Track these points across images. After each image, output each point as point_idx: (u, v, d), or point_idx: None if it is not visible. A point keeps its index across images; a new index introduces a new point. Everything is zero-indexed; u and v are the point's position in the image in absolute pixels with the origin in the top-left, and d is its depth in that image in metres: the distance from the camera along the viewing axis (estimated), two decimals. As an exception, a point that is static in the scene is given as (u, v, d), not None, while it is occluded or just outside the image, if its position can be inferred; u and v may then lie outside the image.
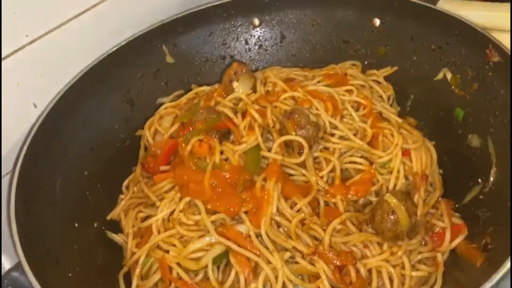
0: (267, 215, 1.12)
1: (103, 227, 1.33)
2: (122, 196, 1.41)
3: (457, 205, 1.26)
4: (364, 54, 1.58)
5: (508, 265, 0.86)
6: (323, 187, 1.22)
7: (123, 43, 1.50)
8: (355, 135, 1.29)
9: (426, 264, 1.15)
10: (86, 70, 1.43)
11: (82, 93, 1.41)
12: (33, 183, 1.20)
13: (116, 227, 1.35)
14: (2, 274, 1.25)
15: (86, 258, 1.20)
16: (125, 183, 1.44)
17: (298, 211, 1.16)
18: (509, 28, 1.45)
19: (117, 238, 1.31)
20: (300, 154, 1.23)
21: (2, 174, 1.33)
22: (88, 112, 1.43)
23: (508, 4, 1.53)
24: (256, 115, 1.25)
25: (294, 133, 1.21)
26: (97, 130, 1.45)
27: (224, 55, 1.68)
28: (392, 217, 1.10)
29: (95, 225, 1.32)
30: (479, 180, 1.22)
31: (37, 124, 1.29)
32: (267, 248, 1.10)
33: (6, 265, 1.31)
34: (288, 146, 1.25)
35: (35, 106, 1.45)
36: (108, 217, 1.36)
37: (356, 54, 1.60)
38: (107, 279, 1.21)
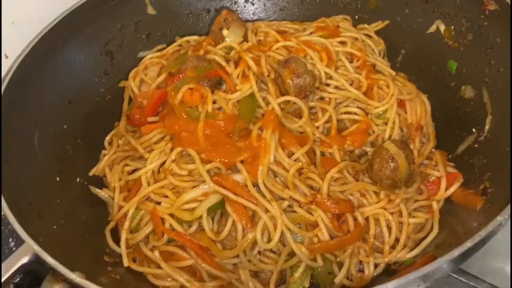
0: (265, 164, 1.08)
1: (86, 183, 1.26)
2: (104, 152, 1.33)
3: (450, 156, 1.26)
4: (355, 8, 1.54)
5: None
6: (319, 137, 1.19)
7: (102, -10, 1.40)
8: (350, 85, 1.26)
9: (422, 212, 1.15)
10: (61, 18, 1.32)
11: (57, 43, 1.31)
12: (9, 134, 1.12)
13: (100, 183, 1.29)
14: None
15: (70, 212, 1.14)
16: (108, 138, 1.36)
17: (295, 160, 1.13)
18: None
19: (102, 193, 1.24)
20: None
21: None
22: (64, 63, 1.34)
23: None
24: (251, 63, 1.20)
25: (290, 82, 1.16)
26: (75, 83, 1.36)
27: (208, 8, 1.59)
28: (391, 164, 1.08)
29: (78, 180, 1.25)
30: (473, 130, 1.22)
31: (8, 76, 1.19)
32: (264, 197, 1.06)
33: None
34: (283, 95, 1.20)
35: (6, 57, 1.35)
36: (91, 173, 1.29)
37: (346, 8, 1.55)
38: (93, 234, 1.14)
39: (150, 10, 1.51)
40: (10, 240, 1.30)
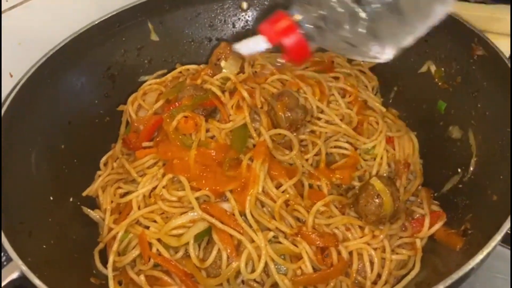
0: (253, 195, 1.11)
1: (78, 203, 1.29)
2: (99, 173, 1.36)
3: (435, 194, 1.28)
4: (351, 44, 1.59)
5: (491, 246, 0.88)
6: (308, 169, 1.22)
7: (107, 16, 1.45)
8: (341, 120, 1.30)
9: (405, 249, 1.16)
10: (67, 41, 1.38)
11: (61, 64, 1.36)
12: (7, 152, 1.15)
13: (92, 204, 1.31)
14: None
15: (61, 232, 1.16)
16: (103, 159, 1.40)
17: (283, 192, 1.15)
18: (509, 32, 1.45)
19: (93, 214, 1.26)
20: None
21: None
22: (66, 85, 1.39)
23: (508, 7, 1.49)
24: (246, 94, 1.24)
25: (282, 115, 1.20)
26: (76, 104, 1.40)
27: (210, 37, 1.65)
28: (376, 201, 1.10)
29: (71, 200, 1.28)
30: (459, 170, 1.25)
31: (13, 94, 1.23)
32: (250, 227, 1.09)
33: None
34: (275, 127, 1.24)
35: (11, 76, 1.39)
36: (85, 193, 1.32)
37: (342, 44, 1.60)
38: (82, 255, 1.16)
39: (154, 37, 1.57)
40: (2, 254, 1.32)
